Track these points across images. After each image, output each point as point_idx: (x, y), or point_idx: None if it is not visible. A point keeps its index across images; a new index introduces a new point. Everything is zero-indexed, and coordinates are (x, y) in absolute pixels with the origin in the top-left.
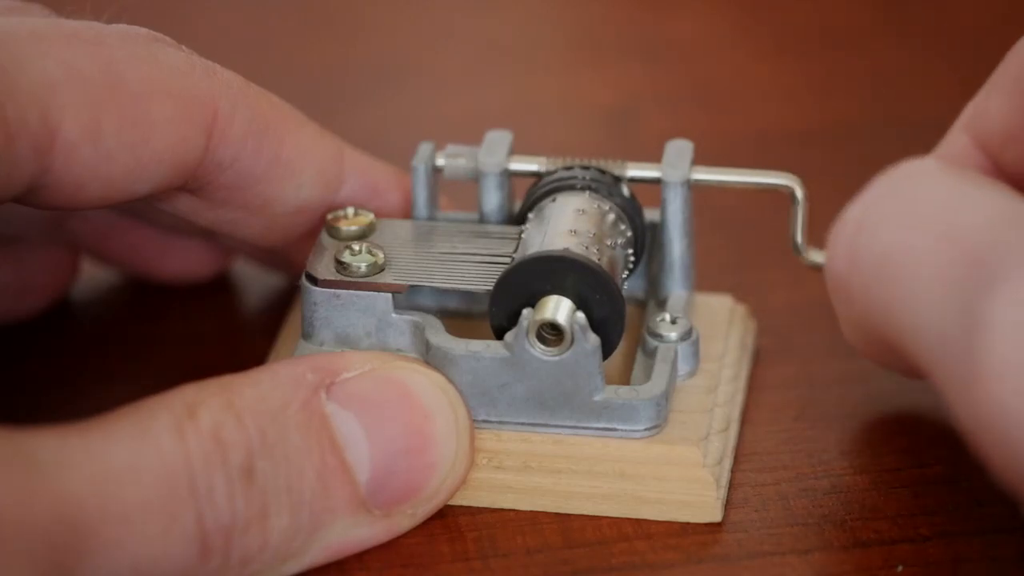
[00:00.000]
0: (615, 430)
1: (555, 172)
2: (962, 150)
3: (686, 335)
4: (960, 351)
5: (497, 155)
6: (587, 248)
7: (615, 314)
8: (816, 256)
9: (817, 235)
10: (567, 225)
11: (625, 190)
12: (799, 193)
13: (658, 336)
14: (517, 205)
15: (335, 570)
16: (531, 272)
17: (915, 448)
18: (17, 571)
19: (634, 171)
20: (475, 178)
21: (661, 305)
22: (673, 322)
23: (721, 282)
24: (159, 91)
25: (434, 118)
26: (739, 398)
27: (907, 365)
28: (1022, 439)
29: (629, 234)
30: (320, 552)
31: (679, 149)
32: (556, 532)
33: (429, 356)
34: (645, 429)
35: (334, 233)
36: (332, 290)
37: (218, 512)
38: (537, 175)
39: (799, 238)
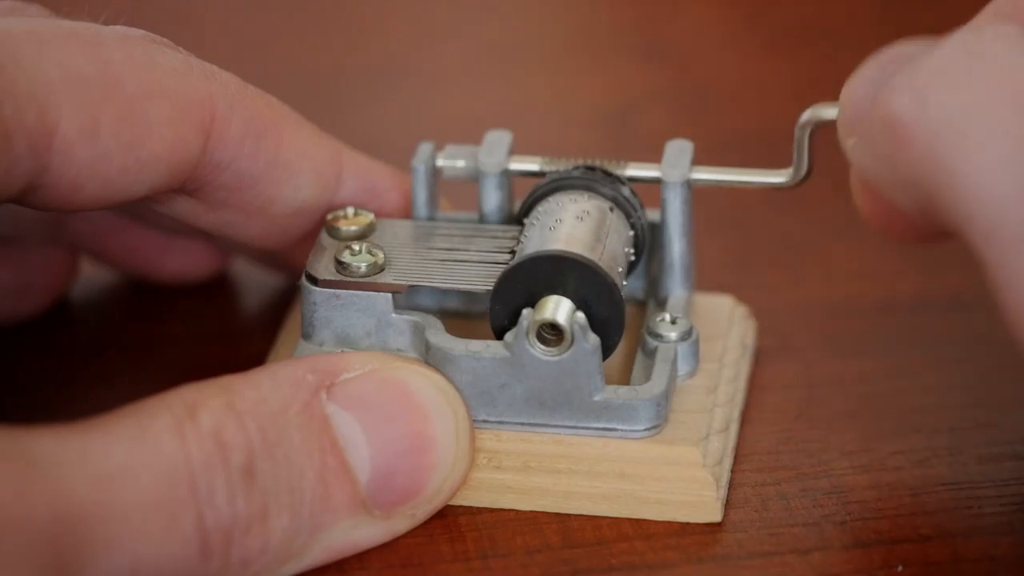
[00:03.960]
0: (615, 430)
1: (555, 172)
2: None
3: (686, 335)
4: (1019, 226)
5: (497, 155)
6: (587, 248)
7: (615, 314)
8: (825, 111)
9: (818, 235)
10: (567, 225)
11: (625, 189)
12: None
13: (658, 336)
14: (517, 205)
15: (335, 570)
16: (531, 272)
17: (915, 448)
18: (16, 570)
19: (634, 171)
20: (475, 178)
21: (661, 305)
22: (673, 322)
23: (721, 282)
24: (156, 92)
25: (434, 118)
26: (739, 398)
27: (923, 227)
28: None
29: (629, 234)
30: (320, 553)
31: (679, 149)
32: (556, 532)
33: (429, 356)
34: (645, 429)
35: (334, 233)
36: (332, 290)
37: (218, 513)
38: (537, 175)
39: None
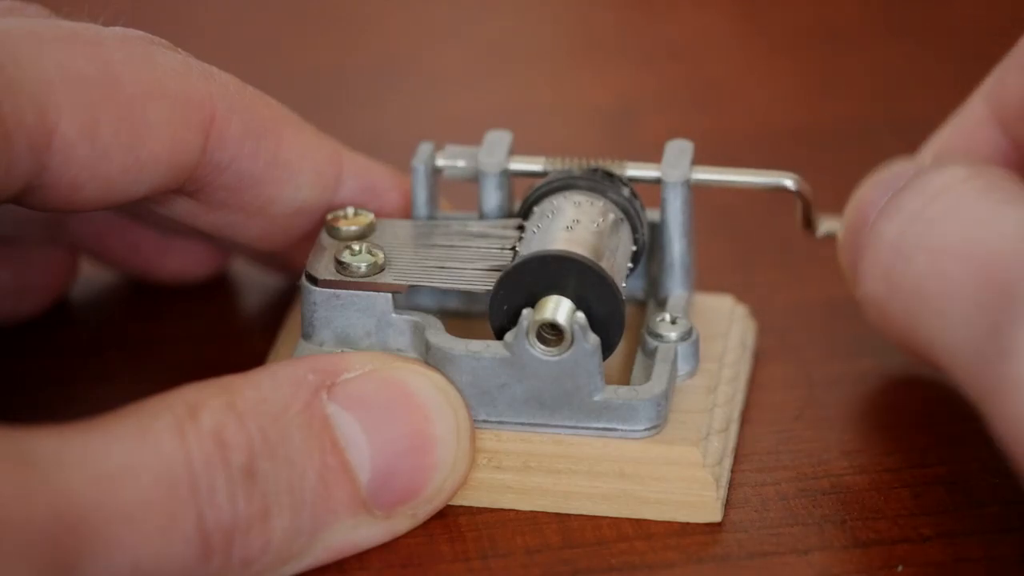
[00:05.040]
0: (615, 430)
1: (555, 172)
2: (978, 120)
3: (686, 335)
4: (991, 371)
5: (497, 155)
6: (587, 248)
7: (615, 314)
8: (828, 225)
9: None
10: (567, 225)
11: (626, 189)
12: (797, 187)
13: (658, 336)
14: (517, 205)
15: (335, 570)
16: (531, 272)
17: (915, 448)
18: (16, 570)
19: (634, 171)
20: (475, 178)
21: (661, 305)
22: (673, 322)
23: (721, 282)
24: (156, 92)
25: (434, 118)
26: (739, 398)
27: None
28: None
29: (629, 233)
30: (321, 552)
31: (679, 149)
32: (556, 532)
33: (429, 356)
34: (645, 429)
35: (334, 233)
36: (332, 290)
37: (219, 512)
38: (537, 175)
39: (813, 224)
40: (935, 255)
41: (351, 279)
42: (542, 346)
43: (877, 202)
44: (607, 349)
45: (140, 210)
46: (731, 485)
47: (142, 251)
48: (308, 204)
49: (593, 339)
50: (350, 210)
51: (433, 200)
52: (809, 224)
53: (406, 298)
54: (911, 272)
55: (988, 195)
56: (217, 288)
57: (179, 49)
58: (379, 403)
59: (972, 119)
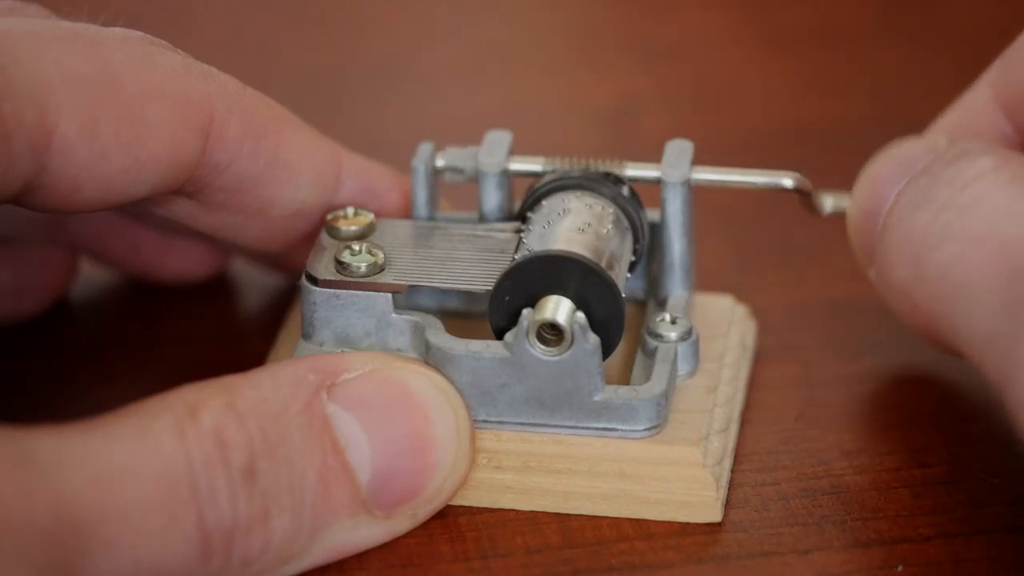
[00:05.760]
0: (615, 430)
1: (555, 172)
2: (982, 105)
3: (686, 335)
4: (1009, 357)
5: (497, 155)
6: (587, 248)
7: (615, 314)
8: (836, 202)
9: (818, 235)
10: (567, 225)
11: (625, 189)
12: (796, 184)
13: (658, 336)
14: (517, 205)
15: (335, 570)
16: (531, 272)
17: (915, 448)
18: (16, 570)
19: (634, 171)
20: (475, 178)
21: (661, 305)
22: (673, 322)
23: (721, 282)
24: (155, 93)
25: (434, 118)
26: (739, 398)
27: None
28: None
29: (629, 234)
30: (321, 553)
31: (679, 149)
32: (556, 532)
33: (429, 356)
34: (645, 429)
35: (334, 233)
36: (332, 290)
37: (219, 512)
38: (537, 175)
39: (817, 207)
40: (961, 243)
41: (351, 279)
42: (542, 346)
43: (893, 183)
44: (607, 349)
45: (140, 211)
46: (731, 485)
47: (142, 251)
48: (308, 205)
49: (593, 339)
50: (350, 210)
51: (433, 200)
52: (812, 209)
53: (406, 298)
54: (938, 259)
55: (1013, 186)
56: (217, 288)
57: (179, 49)
58: (379, 403)
59: (976, 104)
